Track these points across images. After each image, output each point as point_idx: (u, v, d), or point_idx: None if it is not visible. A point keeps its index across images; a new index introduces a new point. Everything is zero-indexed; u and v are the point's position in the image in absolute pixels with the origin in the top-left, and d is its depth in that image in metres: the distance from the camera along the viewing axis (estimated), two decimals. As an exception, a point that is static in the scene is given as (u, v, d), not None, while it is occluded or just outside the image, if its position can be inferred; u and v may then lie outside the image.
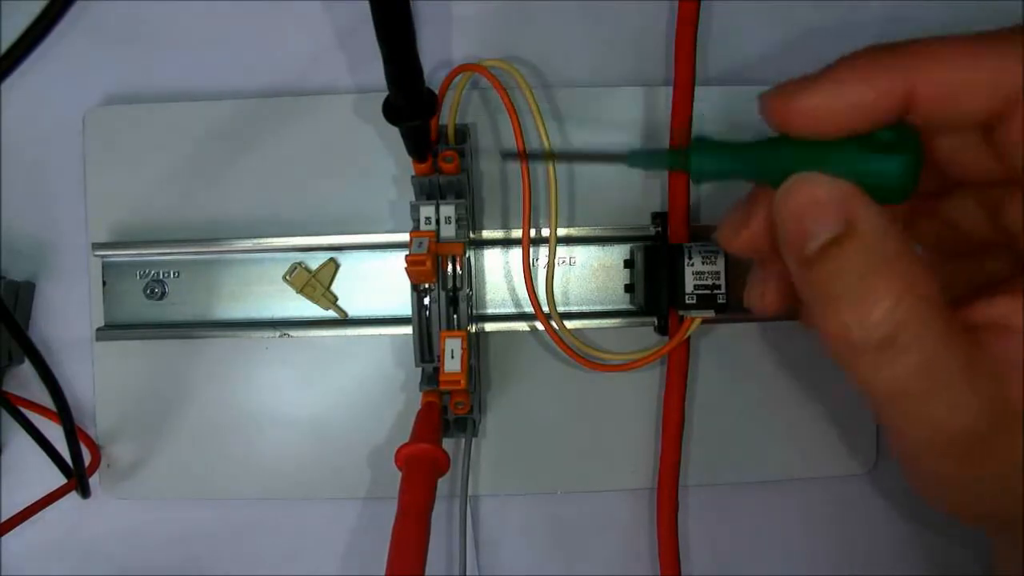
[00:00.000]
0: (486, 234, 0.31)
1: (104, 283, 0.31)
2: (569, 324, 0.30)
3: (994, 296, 0.19)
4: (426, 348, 0.29)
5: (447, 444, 0.28)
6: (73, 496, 0.29)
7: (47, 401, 0.26)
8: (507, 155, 0.28)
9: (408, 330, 0.29)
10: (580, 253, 0.31)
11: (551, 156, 0.28)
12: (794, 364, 0.32)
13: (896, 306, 0.17)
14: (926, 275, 0.17)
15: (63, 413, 0.26)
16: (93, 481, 0.30)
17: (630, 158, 0.22)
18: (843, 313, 0.18)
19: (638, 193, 0.31)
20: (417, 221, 0.28)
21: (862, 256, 0.18)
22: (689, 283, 0.28)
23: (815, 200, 0.18)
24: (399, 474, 0.25)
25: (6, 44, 0.16)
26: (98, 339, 0.31)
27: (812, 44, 0.32)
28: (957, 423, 0.17)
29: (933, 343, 0.17)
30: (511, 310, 0.31)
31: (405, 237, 0.29)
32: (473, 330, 0.30)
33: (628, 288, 0.31)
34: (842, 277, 0.18)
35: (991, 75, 0.17)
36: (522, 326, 0.31)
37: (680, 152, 0.21)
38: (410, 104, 0.24)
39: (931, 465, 0.19)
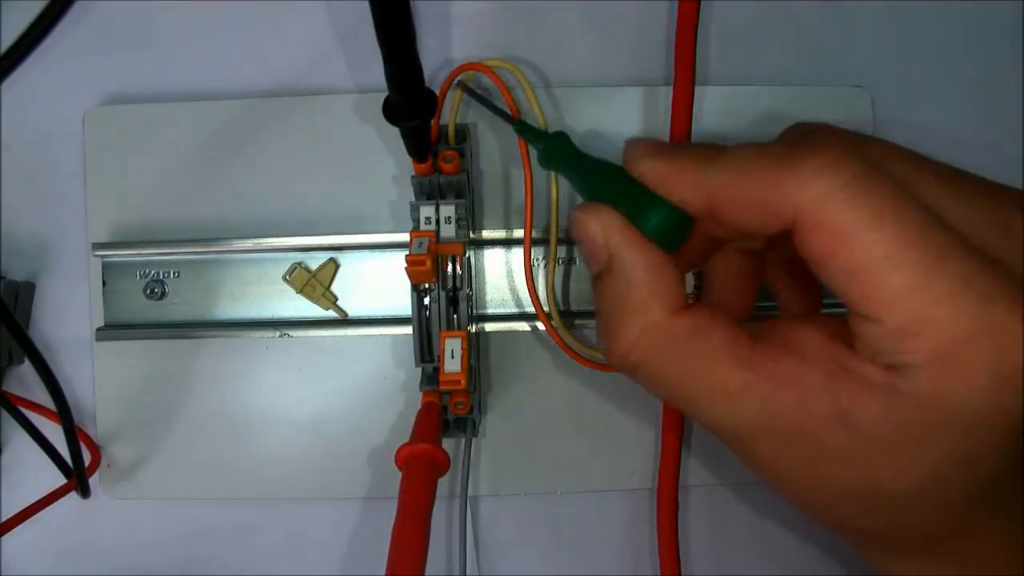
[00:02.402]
0: (486, 234, 0.31)
1: (104, 283, 0.31)
2: (569, 324, 0.30)
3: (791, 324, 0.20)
4: (426, 348, 0.29)
5: (447, 444, 0.28)
6: (73, 496, 0.29)
7: (47, 401, 0.26)
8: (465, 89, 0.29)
9: (408, 330, 0.29)
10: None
11: (473, 93, 0.29)
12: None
13: (637, 340, 0.20)
14: (671, 303, 0.20)
15: (63, 413, 0.26)
16: (93, 481, 0.30)
17: (519, 125, 0.27)
18: (602, 338, 0.21)
19: (638, 193, 0.31)
20: (417, 221, 0.28)
21: (614, 290, 0.20)
22: (689, 283, 0.28)
23: (586, 235, 0.21)
24: (399, 474, 0.25)
25: (6, 44, 0.16)
26: (98, 339, 0.31)
27: (812, 44, 0.32)
28: (730, 425, 0.19)
29: (679, 366, 0.19)
30: (511, 310, 0.31)
31: (405, 237, 0.29)
32: (473, 330, 0.30)
33: (628, 288, 0.31)
34: (602, 305, 0.21)
35: (774, 198, 0.18)
36: (522, 326, 0.31)
37: (546, 137, 0.25)
38: (410, 104, 0.24)
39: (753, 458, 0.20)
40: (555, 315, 0.29)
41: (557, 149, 0.25)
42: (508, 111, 0.29)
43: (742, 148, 0.19)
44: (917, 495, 0.18)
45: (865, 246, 0.16)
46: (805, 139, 0.22)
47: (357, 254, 0.31)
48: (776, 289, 0.25)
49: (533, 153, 0.30)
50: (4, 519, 0.27)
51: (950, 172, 0.21)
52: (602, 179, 0.22)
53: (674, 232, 0.20)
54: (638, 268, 0.20)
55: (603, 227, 0.20)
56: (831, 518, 0.20)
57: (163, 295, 0.31)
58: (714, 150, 0.20)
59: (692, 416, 0.20)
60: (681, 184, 0.20)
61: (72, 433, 0.27)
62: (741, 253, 0.24)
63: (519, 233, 0.30)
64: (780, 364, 0.18)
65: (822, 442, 0.18)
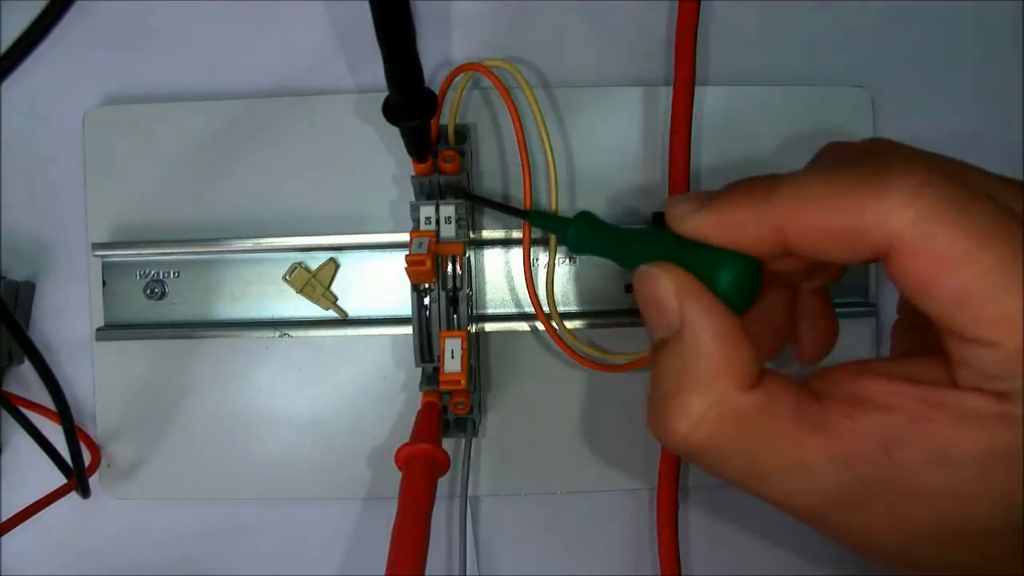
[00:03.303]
0: (486, 234, 0.31)
1: (104, 283, 0.31)
2: (569, 324, 0.30)
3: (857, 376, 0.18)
4: (426, 348, 0.29)
5: (447, 444, 0.28)
6: (73, 496, 0.29)
7: (47, 401, 0.26)
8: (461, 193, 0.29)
9: (408, 330, 0.29)
10: (580, 253, 0.31)
11: (470, 197, 0.29)
12: (793, 364, 0.32)
13: (703, 420, 0.18)
14: (744, 379, 0.18)
15: (63, 413, 0.26)
16: (93, 481, 0.30)
17: (531, 215, 0.26)
18: (656, 414, 0.18)
19: (638, 193, 0.31)
20: (417, 221, 0.28)
21: (682, 360, 0.18)
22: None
23: (655, 296, 0.19)
24: (399, 474, 0.25)
25: (6, 44, 0.16)
26: (98, 339, 0.31)
27: (812, 44, 0.32)
28: (806, 502, 0.18)
29: (749, 445, 0.18)
30: (511, 310, 0.31)
31: (405, 237, 0.29)
32: (473, 330, 0.30)
33: (628, 288, 0.31)
34: (663, 376, 0.18)
35: (861, 223, 0.16)
36: (522, 326, 0.31)
37: (565, 222, 0.23)
38: (410, 104, 0.24)
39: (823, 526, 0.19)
40: (555, 315, 0.29)
41: (585, 231, 0.23)
42: (519, 206, 0.28)
43: (806, 173, 0.17)
44: (1010, 529, 0.17)
45: (975, 269, 0.15)
46: (867, 156, 0.20)
47: (357, 254, 0.31)
48: (802, 325, 0.23)
49: (533, 153, 0.30)
50: (4, 519, 0.27)
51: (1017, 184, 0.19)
52: (649, 246, 0.20)
53: (749, 286, 0.18)
54: (713, 336, 0.18)
55: (676, 287, 0.18)
56: (908, 562, 0.19)
57: (163, 295, 0.31)
58: (768, 181, 0.18)
59: (759, 495, 0.18)
60: (744, 224, 0.18)
61: (72, 433, 0.27)
62: (783, 288, 0.22)
63: (518, 233, 0.30)
64: (858, 420, 0.17)
65: (913, 490, 0.17)
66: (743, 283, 0.18)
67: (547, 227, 0.26)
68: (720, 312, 0.18)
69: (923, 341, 0.20)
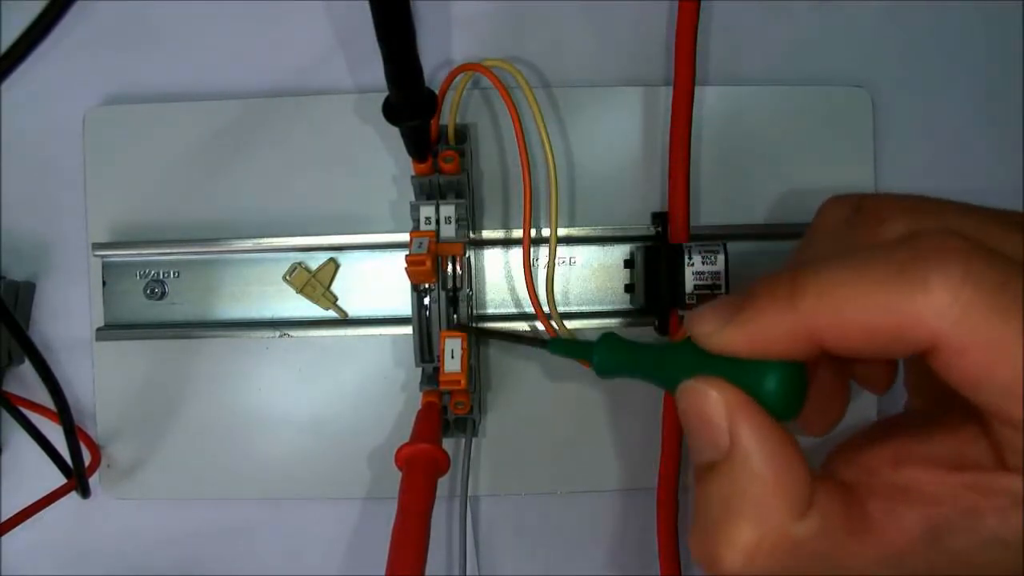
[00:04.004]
0: (486, 234, 0.31)
1: (104, 283, 0.31)
2: (569, 324, 0.30)
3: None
4: (426, 348, 0.29)
5: (447, 444, 0.28)
6: (73, 496, 0.29)
7: (47, 401, 0.26)
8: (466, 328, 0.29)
9: (408, 330, 0.29)
10: (580, 253, 0.31)
11: (478, 331, 0.30)
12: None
13: (755, 552, 0.16)
14: (798, 505, 0.16)
15: (63, 413, 0.26)
16: (93, 481, 0.30)
17: (551, 344, 0.25)
18: (703, 541, 0.17)
19: (638, 193, 0.31)
20: (417, 221, 0.28)
21: (732, 486, 0.17)
22: (689, 283, 0.28)
23: (702, 414, 0.17)
24: (399, 474, 0.25)
25: (6, 44, 0.16)
26: (98, 339, 0.31)
27: (813, 44, 0.32)
28: None
29: (801, 570, 0.16)
30: (511, 310, 0.31)
31: (405, 237, 0.29)
32: (473, 330, 0.30)
33: (628, 288, 0.31)
34: (710, 502, 0.17)
35: (901, 323, 0.15)
36: (522, 326, 0.31)
37: (589, 347, 0.22)
38: (410, 104, 0.24)
39: None
40: (555, 315, 0.29)
41: (612, 355, 0.22)
42: (536, 335, 0.28)
43: (832, 269, 0.16)
44: None
45: None
46: (880, 223, 0.19)
47: (357, 254, 0.31)
48: (815, 400, 0.21)
49: (533, 154, 0.30)
50: (4, 519, 0.27)
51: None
52: (686, 359, 0.18)
53: (796, 392, 0.17)
54: (766, 459, 0.16)
55: (726, 404, 0.17)
56: None
57: (163, 295, 0.31)
58: (790, 281, 0.16)
59: None
60: (775, 337, 0.16)
61: (72, 433, 0.27)
62: (832, 365, 0.21)
63: (518, 233, 0.30)
64: (904, 516, 0.16)
65: (966, 574, 0.16)
66: (790, 392, 0.17)
67: (571, 354, 0.24)
68: (773, 432, 0.17)
69: (940, 395, 0.19)
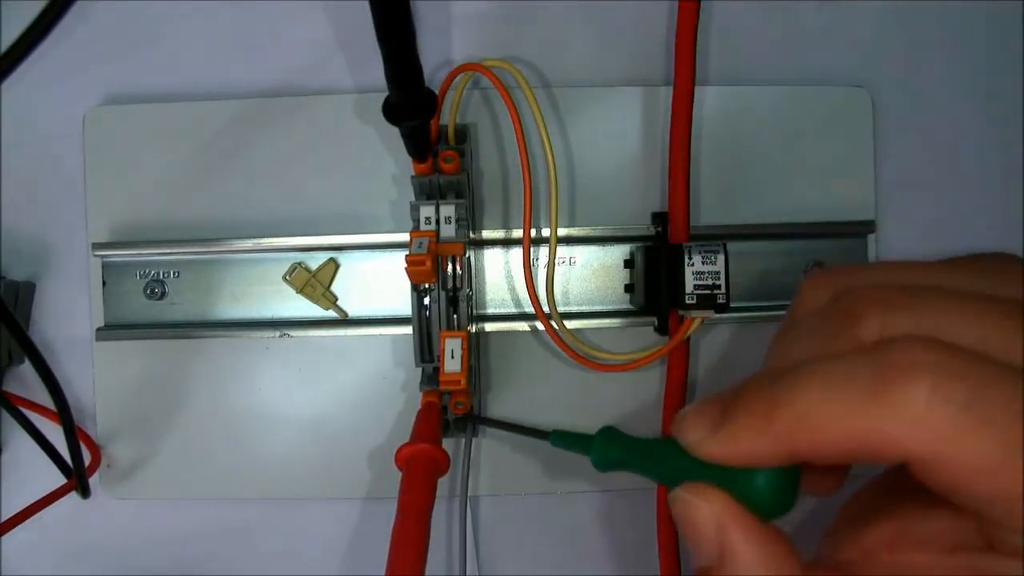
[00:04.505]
0: (486, 234, 0.31)
1: (104, 283, 0.31)
2: (569, 324, 0.30)
3: None
4: (426, 348, 0.29)
5: (447, 444, 0.28)
6: (73, 496, 0.29)
7: (47, 401, 0.26)
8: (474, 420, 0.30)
9: (408, 330, 0.29)
10: (580, 253, 0.31)
11: (483, 420, 0.30)
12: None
13: None
14: None
15: (63, 413, 0.26)
16: (93, 481, 0.30)
17: (552, 436, 0.25)
18: None
19: (638, 193, 0.31)
20: (417, 221, 0.28)
21: None
22: (689, 283, 0.28)
23: (693, 523, 0.18)
24: (399, 474, 0.25)
25: (6, 44, 0.16)
26: (98, 339, 0.31)
27: (813, 44, 0.32)
28: None
29: None
30: (511, 310, 0.31)
31: (405, 237, 0.29)
32: (473, 330, 0.30)
33: (628, 288, 0.31)
34: None
35: (874, 442, 0.15)
36: (522, 326, 0.31)
37: (588, 440, 0.22)
38: (410, 104, 0.24)
39: None
40: (555, 315, 0.29)
41: (608, 450, 0.22)
42: (536, 429, 0.29)
43: (804, 387, 0.16)
44: None
45: (1006, 475, 0.14)
46: (860, 329, 0.18)
47: (357, 254, 0.31)
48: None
49: (533, 154, 0.30)
50: (4, 519, 0.27)
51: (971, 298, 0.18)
52: (681, 459, 0.18)
53: (786, 493, 0.17)
54: (756, 564, 0.17)
55: (715, 514, 0.17)
56: None
57: (163, 295, 0.31)
58: (767, 397, 0.17)
59: None
60: (757, 451, 0.17)
61: (72, 433, 0.27)
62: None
63: (518, 233, 0.30)
64: None
65: None
66: (779, 493, 0.17)
67: (569, 447, 0.24)
68: (763, 535, 0.17)
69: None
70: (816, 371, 0.16)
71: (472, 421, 0.30)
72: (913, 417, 0.15)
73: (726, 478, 0.17)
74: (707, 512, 0.17)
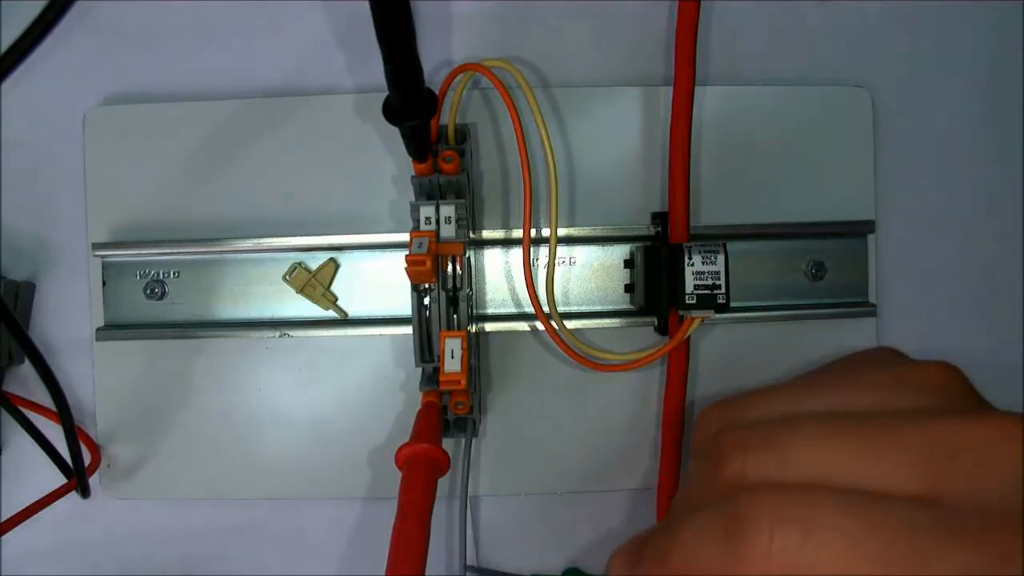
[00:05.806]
0: (486, 234, 0.31)
1: (104, 283, 0.31)
2: (569, 324, 0.30)
3: None
4: (426, 348, 0.29)
5: (447, 444, 0.28)
6: (73, 496, 0.29)
7: (47, 401, 0.26)
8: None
9: (408, 330, 0.29)
10: (580, 253, 0.31)
11: (479, 572, 0.31)
12: (794, 363, 0.32)
13: None
14: None
15: (63, 413, 0.26)
16: (93, 481, 0.30)
17: None
18: None
19: (638, 193, 0.31)
20: (417, 221, 0.28)
21: None
22: (689, 283, 0.28)
23: None
24: (399, 474, 0.25)
25: (6, 44, 0.16)
26: (98, 339, 0.31)
27: (812, 44, 0.32)
28: None
29: None
30: (511, 310, 0.31)
31: (405, 237, 0.29)
32: (473, 330, 0.30)
33: (628, 288, 0.31)
34: None
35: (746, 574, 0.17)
36: (522, 326, 0.31)
37: None
38: (410, 104, 0.24)
39: None
40: (555, 315, 0.29)
41: None
42: None
43: (683, 536, 0.18)
44: None
45: None
46: (724, 471, 0.20)
47: (357, 254, 0.31)
48: None
49: (533, 154, 0.30)
50: (4, 519, 0.27)
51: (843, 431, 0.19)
52: None
53: None
54: None
55: None
56: None
57: (163, 295, 0.31)
58: (663, 538, 0.19)
59: None
60: None
61: (72, 433, 0.27)
62: None
63: (518, 233, 0.30)
64: None
65: None
66: None
67: None
68: None
69: None
70: (692, 521, 0.19)
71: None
72: (761, 560, 0.16)
73: None
74: None
